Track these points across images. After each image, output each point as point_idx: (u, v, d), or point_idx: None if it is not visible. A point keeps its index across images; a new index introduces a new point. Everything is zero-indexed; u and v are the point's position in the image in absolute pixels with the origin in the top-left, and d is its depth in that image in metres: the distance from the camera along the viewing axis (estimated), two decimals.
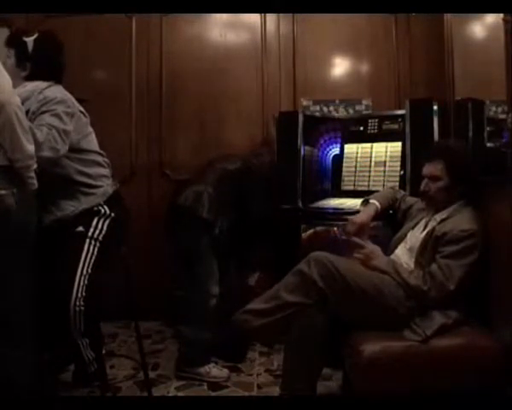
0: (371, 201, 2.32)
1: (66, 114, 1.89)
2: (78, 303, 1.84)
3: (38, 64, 1.96)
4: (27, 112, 1.83)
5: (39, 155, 1.70)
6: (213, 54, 3.41)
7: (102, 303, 2.17)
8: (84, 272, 1.89)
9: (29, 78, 1.95)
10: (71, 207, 1.96)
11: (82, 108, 2.03)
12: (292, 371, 1.89)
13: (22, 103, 1.80)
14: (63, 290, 1.85)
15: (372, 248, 2.04)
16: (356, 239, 2.08)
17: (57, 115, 1.85)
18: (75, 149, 1.96)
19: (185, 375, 2.44)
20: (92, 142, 2.07)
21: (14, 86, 1.85)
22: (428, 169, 2.05)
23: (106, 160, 2.11)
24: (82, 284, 1.87)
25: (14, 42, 1.97)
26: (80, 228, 1.94)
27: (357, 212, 2.43)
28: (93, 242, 1.94)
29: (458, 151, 2.07)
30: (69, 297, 1.84)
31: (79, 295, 1.85)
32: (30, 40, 1.96)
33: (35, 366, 1.71)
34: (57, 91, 1.93)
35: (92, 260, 1.92)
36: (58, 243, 1.92)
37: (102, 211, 2.00)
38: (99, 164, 2.07)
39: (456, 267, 1.84)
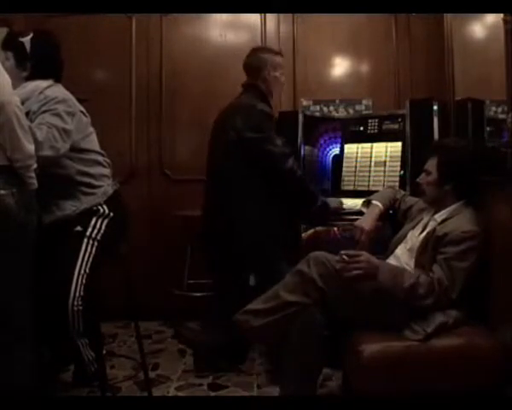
0: (374, 202, 2.32)
1: (67, 113, 1.89)
2: (76, 303, 1.84)
3: (39, 62, 1.96)
4: (28, 112, 1.84)
5: (39, 155, 1.70)
6: (213, 54, 3.41)
7: (102, 303, 2.18)
8: (82, 271, 1.88)
9: (30, 77, 1.95)
10: (72, 207, 1.96)
11: (82, 108, 2.04)
12: (292, 370, 1.88)
13: (22, 104, 1.80)
14: (61, 290, 1.85)
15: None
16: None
17: (58, 115, 1.85)
18: (76, 149, 1.97)
19: None
20: (93, 142, 2.08)
21: (15, 87, 1.86)
22: (426, 164, 2.08)
23: (106, 159, 2.12)
24: (80, 283, 1.86)
25: (12, 44, 1.97)
26: (78, 227, 1.94)
27: (358, 212, 2.44)
28: (91, 241, 1.94)
29: (451, 149, 2.07)
30: (67, 297, 1.84)
31: (77, 294, 1.85)
32: (27, 40, 1.96)
33: (35, 366, 1.71)
34: (58, 91, 1.94)
35: (90, 260, 1.92)
36: (57, 243, 1.92)
37: (101, 210, 2.00)
38: (100, 164, 2.07)
39: (459, 271, 1.83)
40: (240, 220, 2.40)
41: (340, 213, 2.58)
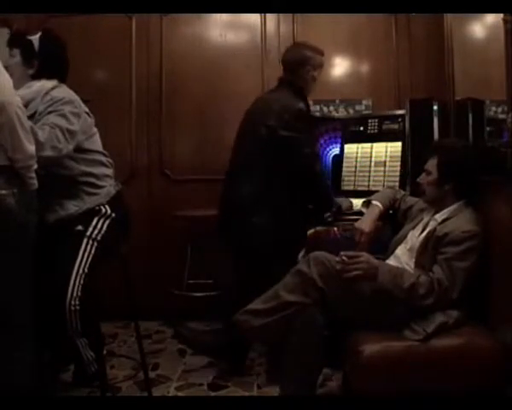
0: (374, 202, 2.32)
1: (73, 114, 1.90)
2: (73, 302, 1.83)
3: (46, 61, 1.97)
4: (34, 113, 1.86)
5: (40, 155, 1.70)
6: (213, 54, 3.41)
7: (102, 303, 2.17)
8: (81, 271, 1.88)
9: (36, 75, 1.96)
10: (75, 207, 1.97)
11: (87, 109, 2.05)
12: (291, 370, 1.88)
13: (28, 104, 1.83)
14: (59, 289, 1.84)
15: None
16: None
17: (63, 115, 1.86)
18: (80, 150, 1.98)
19: None
20: (97, 142, 2.09)
21: (21, 84, 1.88)
22: (426, 164, 2.08)
23: (109, 160, 2.13)
24: (78, 283, 1.86)
25: (19, 41, 1.98)
26: (79, 227, 1.94)
27: (358, 212, 2.44)
28: (91, 241, 1.94)
29: (451, 149, 2.08)
30: (64, 296, 1.83)
31: (75, 294, 1.84)
32: (35, 38, 1.97)
33: (35, 366, 1.71)
34: (64, 92, 1.95)
35: (89, 260, 1.91)
36: (59, 242, 1.93)
37: (103, 211, 2.00)
38: (103, 164, 2.08)
39: (459, 271, 1.83)
40: (260, 217, 2.34)
41: (347, 213, 2.57)
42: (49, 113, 1.85)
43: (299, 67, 2.49)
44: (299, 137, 2.34)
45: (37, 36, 1.98)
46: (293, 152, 2.34)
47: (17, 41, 1.99)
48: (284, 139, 2.33)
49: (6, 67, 1.83)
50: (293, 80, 2.49)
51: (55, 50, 2.03)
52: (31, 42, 1.96)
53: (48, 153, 1.77)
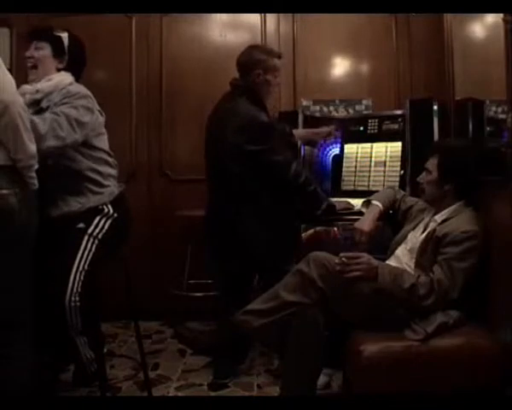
0: (374, 202, 2.31)
1: (85, 107, 1.94)
2: (73, 299, 1.84)
3: (75, 59, 2.07)
4: (49, 106, 1.90)
5: (43, 147, 1.70)
6: (213, 54, 3.41)
7: (102, 303, 2.17)
8: (81, 268, 1.89)
9: (62, 69, 2.04)
10: (78, 204, 1.98)
11: (99, 108, 2.09)
12: (292, 370, 1.88)
13: (47, 96, 1.93)
14: (58, 285, 1.85)
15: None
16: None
17: (74, 107, 1.90)
18: (89, 146, 2.00)
19: None
20: (105, 141, 2.12)
21: (45, 76, 1.98)
22: (427, 162, 2.08)
23: (114, 160, 2.14)
24: (78, 279, 1.86)
25: (48, 35, 2.05)
26: (81, 224, 1.95)
27: (358, 212, 2.44)
28: (92, 239, 1.95)
29: (452, 149, 2.09)
30: (64, 292, 1.83)
31: (75, 290, 1.85)
32: (64, 36, 2.06)
33: (35, 366, 1.71)
34: (80, 88, 2.01)
35: (90, 257, 1.92)
36: (59, 239, 1.93)
37: (106, 210, 2.02)
38: (108, 164, 2.10)
39: (459, 271, 1.83)
40: (244, 224, 2.34)
41: (347, 212, 2.56)
42: (63, 104, 1.89)
43: (250, 69, 2.42)
44: (266, 148, 2.30)
45: (65, 34, 2.07)
46: (264, 163, 2.31)
47: (46, 35, 2.05)
48: (253, 154, 2.30)
49: (29, 57, 2.00)
50: (244, 84, 2.43)
51: (81, 51, 2.13)
52: (60, 38, 2.05)
53: (50, 143, 1.77)
